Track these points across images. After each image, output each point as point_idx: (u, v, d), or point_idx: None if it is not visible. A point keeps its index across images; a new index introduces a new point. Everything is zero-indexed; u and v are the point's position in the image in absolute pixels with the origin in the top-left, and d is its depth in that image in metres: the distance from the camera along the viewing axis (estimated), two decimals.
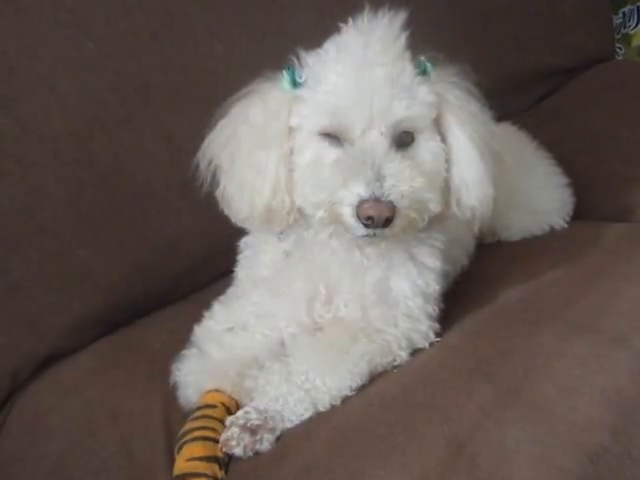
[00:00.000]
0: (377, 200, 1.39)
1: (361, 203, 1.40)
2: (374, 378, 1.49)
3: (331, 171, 1.44)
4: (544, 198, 2.06)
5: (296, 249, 1.59)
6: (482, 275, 1.81)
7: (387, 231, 1.42)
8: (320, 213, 1.44)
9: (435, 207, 1.46)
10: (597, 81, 2.71)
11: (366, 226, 1.41)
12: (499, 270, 1.84)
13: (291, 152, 1.50)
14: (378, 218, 1.40)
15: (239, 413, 1.43)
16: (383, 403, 1.42)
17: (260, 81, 1.56)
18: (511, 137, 2.06)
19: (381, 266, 1.56)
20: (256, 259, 1.64)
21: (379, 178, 1.40)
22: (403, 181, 1.41)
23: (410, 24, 1.47)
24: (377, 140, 1.45)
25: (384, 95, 1.44)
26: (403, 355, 1.52)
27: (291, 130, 1.51)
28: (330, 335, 1.52)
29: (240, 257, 1.68)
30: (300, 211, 1.51)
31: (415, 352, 1.54)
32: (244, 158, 1.51)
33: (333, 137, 1.47)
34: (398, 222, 1.42)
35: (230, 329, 1.60)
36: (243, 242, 1.67)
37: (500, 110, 1.62)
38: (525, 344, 1.49)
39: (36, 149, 1.74)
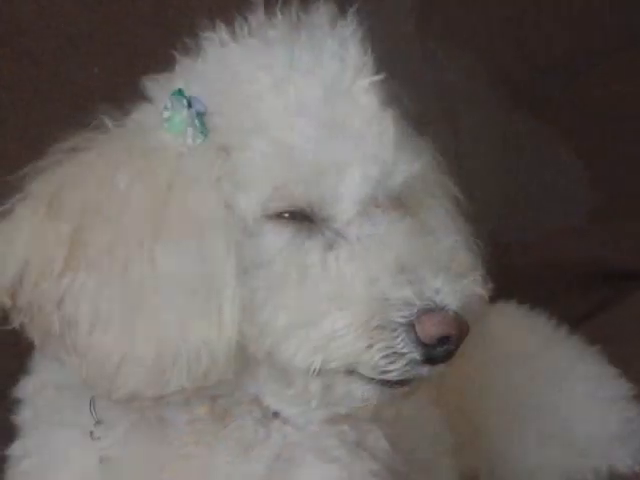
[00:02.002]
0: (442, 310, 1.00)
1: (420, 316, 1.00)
2: None
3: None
4: (591, 420, 1.51)
5: (127, 448, 1.09)
6: None
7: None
8: (315, 358, 1.00)
9: None
10: None
11: (429, 360, 1.00)
12: None
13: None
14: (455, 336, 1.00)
15: None
16: None
17: (95, 127, 1.09)
18: (524, 323, 1.67)
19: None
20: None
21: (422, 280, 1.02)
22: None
23: None
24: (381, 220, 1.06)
25: (383, 145, 1.07)
26: None
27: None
28: None
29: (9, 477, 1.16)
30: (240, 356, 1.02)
31: None
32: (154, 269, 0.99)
33: (298, 218, 1.05)
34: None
35: None
36: (18, 449, 1.15)
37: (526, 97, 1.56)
38: None
39: None
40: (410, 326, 0.97)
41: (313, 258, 1.01)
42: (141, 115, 1.08)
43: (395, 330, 0.97)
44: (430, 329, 0.97)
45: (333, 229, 1.03)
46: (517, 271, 1.79)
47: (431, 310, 0.98)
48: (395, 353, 0.97)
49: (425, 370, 0.99)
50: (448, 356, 0.99)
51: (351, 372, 0.99)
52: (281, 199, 1.02)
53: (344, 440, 1.08)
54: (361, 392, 1.00)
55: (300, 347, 0.98)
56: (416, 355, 0.97)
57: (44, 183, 1.03)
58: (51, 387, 1.11)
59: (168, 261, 0.98)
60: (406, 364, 0.98)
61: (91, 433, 1.08)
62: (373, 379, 0.99)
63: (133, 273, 0.97)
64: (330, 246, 1.02)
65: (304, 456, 1.07)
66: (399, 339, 0.97)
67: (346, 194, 1.03)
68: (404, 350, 0.97)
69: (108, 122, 1.06)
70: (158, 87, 1.08)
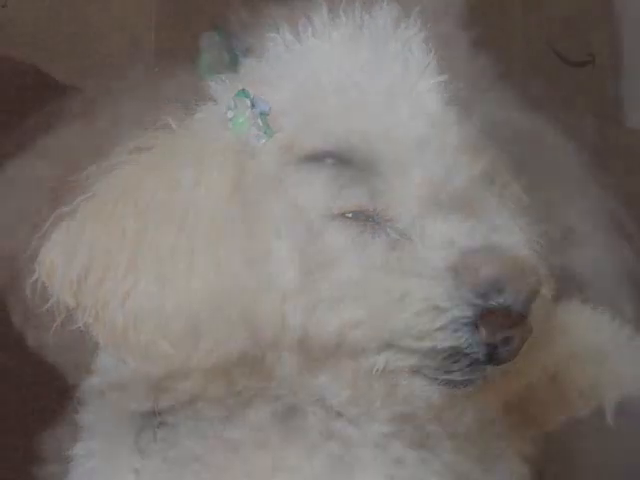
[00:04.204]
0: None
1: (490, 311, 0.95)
2: None
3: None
4: None
5: (190, 451, 1.06)
6: None
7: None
8: (379, 358, 0.97)
9: None
10: None
11: (492, 359, 0.97)
12: None
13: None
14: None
15: None
16: None
17: (160, 127, 1.06)
18: (588, 322, 1.53)
19: None
20: None
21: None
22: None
23: None
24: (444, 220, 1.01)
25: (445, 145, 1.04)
26: None
27: None
28: None
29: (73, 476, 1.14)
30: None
31: None
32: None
33: (361, 219, 1.01)
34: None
35: None
36: (82, 449, 1.14)
37: None
38: None
39: None
40: (473, 326, 0.94)
41: (377, 258, 0.98)
42: (205, 115, 1.07)
43: (458, 331, 0.95)
44: (478, 269, 0.94)
45: (397, 229, 1.00)
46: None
47: (494, 310, 0.94)
48: (458, 353, 0.95)
49: (488, 370, 0.97)
50: (511, 356, 0.96)
51: (415, 372, 0.97)
52: (314, 137, 1.00)
53: (407, 441, 1.06)
54: (424, 392, 0.97)
55: (313, 308, 0.96)
56: (479, 355, 0.95)
57: (109, 183, 1.03)
58: (114, 388, 1.11)
59: (233, 263, 0.96)
60: (469, 364, 0.96)
61: (154, 434, 1.07)
62: (437, 379, 0.97)
63: (197, 274, 0.96)
64: (393, 247, 0.99)
65: (367, 457, 1.05)
66: (462, 340, 0.95)
67: (408, 195, 1.00)
68: (467, 350, 0.95)
69: (172, 122, 1.05)
70: (222, 87, 1.08)
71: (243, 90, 1.03)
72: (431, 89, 1.03)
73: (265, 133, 1.02)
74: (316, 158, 1.00)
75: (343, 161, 0.99)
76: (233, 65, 1.06)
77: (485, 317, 0.95)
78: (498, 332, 0.94)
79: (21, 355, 1.46)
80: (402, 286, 0.94)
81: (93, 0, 1.72)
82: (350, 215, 1.00)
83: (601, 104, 2.73)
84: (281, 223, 0.98)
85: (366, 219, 1.00)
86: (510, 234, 0.96)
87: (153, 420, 1.06)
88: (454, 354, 0.95)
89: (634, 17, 2.92)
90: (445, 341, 0.94)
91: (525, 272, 0.94)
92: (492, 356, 0.95)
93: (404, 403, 0.99)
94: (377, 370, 0.96)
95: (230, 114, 1.03)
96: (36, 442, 1.24)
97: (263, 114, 1.02)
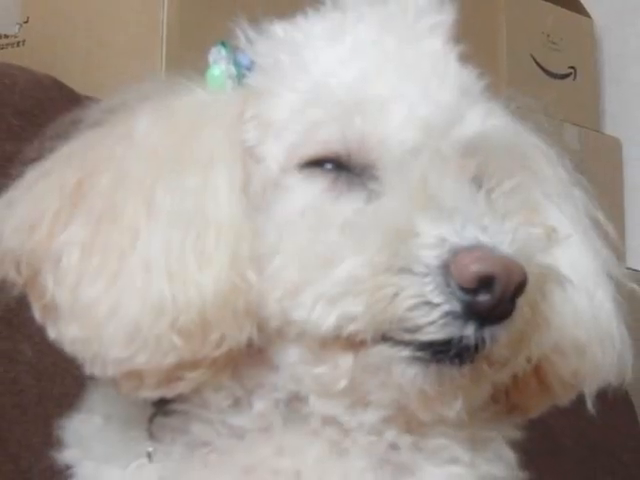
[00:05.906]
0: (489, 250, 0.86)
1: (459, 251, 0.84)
2: None
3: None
4: None
5: (190, 465, 0.99)
6: None
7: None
8: (330, 315, 0.88)
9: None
10: None
11: (474, 314, 0.86)
12: None
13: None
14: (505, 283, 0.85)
15: None
16: None
17: (152, 86, 1.03)
18: None
19: None
20: None
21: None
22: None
23: None
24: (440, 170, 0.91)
25: (443, 84, 0.98)
26: None
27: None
28: None
29: None
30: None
31: None
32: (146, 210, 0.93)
33: (334, 169, 0.95)
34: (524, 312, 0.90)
35: None
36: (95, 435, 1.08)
37: None
38: None
39: None
40: (445, 268, 0.86)
41: (348, 210, 0.91)
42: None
43: (449, 325, 0.89)
44: (467, 267, 0.85)
45: (377, 179, 0.94)
46: None
47: (471, 247, 0.85)
48: (427, 303, 0.86)
49: (471, 330, 0.87)
50: (499, 314, 0.87)
51: (384, 339, 0.92)
52: (314, 143, 0.95)
53: (401, 427, 1.03)
54: (418, 381, 0.93)
55: (314, 303, 0.91)
56: (454, 305, 0.85)
57: (74, 143, 1.02)
58: (99, 418, 1.11)
59: (239, 261, 0.94)
60: (442, 316, 0.86)
61: (149, 455, 1.03)
62: (411, 344, 0.90)
63: (206, 271, 0.93)
64: (371, 200, 0.92)
65: (363, 442, 1.02)
66: (431, 285, 0.86)
67: (390, 135, 0.94)
68: (438, 299, 0.86)
69: None
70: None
71: (222, 42, 1.01)
72: (432, 27, 1.01)
73: (237, 79, 1.00)
74: (316, 163, 0.99)
75: (342, 166, 0.98)
76: (239, 78, 1.02)
77: (459, 255, 0.86)
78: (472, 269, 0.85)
79: (41, 345, 1.47)
80: (396, 283, 0.89)
81: (107, 17, 1.73)
82: (321, 164, 0.98)
83: (582, 113, 2.75)
84: (283, 223, 0.98)
85: (340, 169, 0.97)
86: (498, 234, 0.91)
87: (164, 407, 1.06)
88: (421, 305, 0.88)
89: (613, 32, 2.93)
90: (437, 334, 0.91)
91: (512, 270, 0.90)
92: (472, 308, 0.87)
93: (398, 392, 0.98)
94: (373, 360, 0.96)
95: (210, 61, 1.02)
96: (55, 427, 1.25)
97: (239, 66, 1.00)
